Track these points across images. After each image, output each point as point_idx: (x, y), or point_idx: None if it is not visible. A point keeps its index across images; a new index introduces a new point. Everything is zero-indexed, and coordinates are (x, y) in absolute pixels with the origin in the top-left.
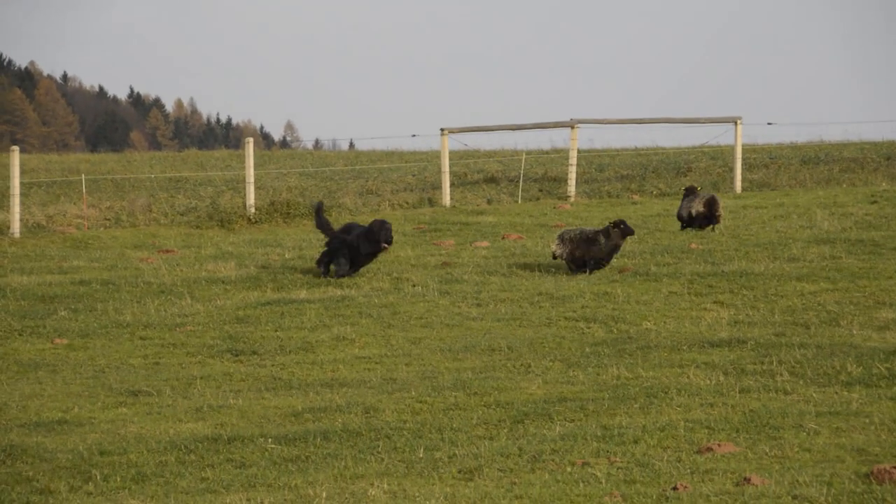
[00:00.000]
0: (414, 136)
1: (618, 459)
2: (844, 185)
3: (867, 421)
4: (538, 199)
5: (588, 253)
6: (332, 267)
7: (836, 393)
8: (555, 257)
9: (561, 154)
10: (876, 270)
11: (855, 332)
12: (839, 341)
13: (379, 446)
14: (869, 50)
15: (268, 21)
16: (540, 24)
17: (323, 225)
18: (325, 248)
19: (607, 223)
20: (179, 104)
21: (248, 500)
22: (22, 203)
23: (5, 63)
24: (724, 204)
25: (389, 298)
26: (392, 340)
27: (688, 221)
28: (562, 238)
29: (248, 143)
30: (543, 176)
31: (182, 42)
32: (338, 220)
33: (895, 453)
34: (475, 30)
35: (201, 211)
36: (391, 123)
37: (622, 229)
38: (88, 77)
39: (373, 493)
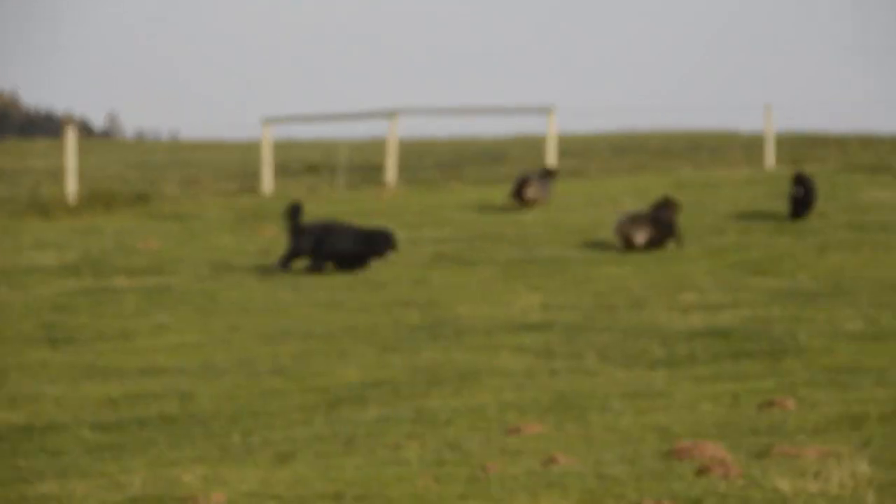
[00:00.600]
0: (236, 125)
1: (430, 441)
2: (652, 173)
3: (669, 401)
4: (358, 187)
5: (675, 230)
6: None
7: (641, 374)
8: (634, 245)
9: (381, 143)
10: (680, 254)
11: (659, 314)
12: (644, 324)
13: (195, 432)
14: (679, 34)
15: (88, 9)
16: (365, 9)
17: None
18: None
19: (660, 199)
20: None
21: (61, 488)
22: None
23: None
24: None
25: (208, 285)
26: (210, 327)
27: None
28: (633, 221)
29: (68, 131)
30: (364, 165)
31: (2, 31)
32: (160, 210)
33: (695, 431)
34: (296, 18)
35: (20, 200)
36: (214, 113)
37: (675, 204)
38: None
39: (187, 478)
